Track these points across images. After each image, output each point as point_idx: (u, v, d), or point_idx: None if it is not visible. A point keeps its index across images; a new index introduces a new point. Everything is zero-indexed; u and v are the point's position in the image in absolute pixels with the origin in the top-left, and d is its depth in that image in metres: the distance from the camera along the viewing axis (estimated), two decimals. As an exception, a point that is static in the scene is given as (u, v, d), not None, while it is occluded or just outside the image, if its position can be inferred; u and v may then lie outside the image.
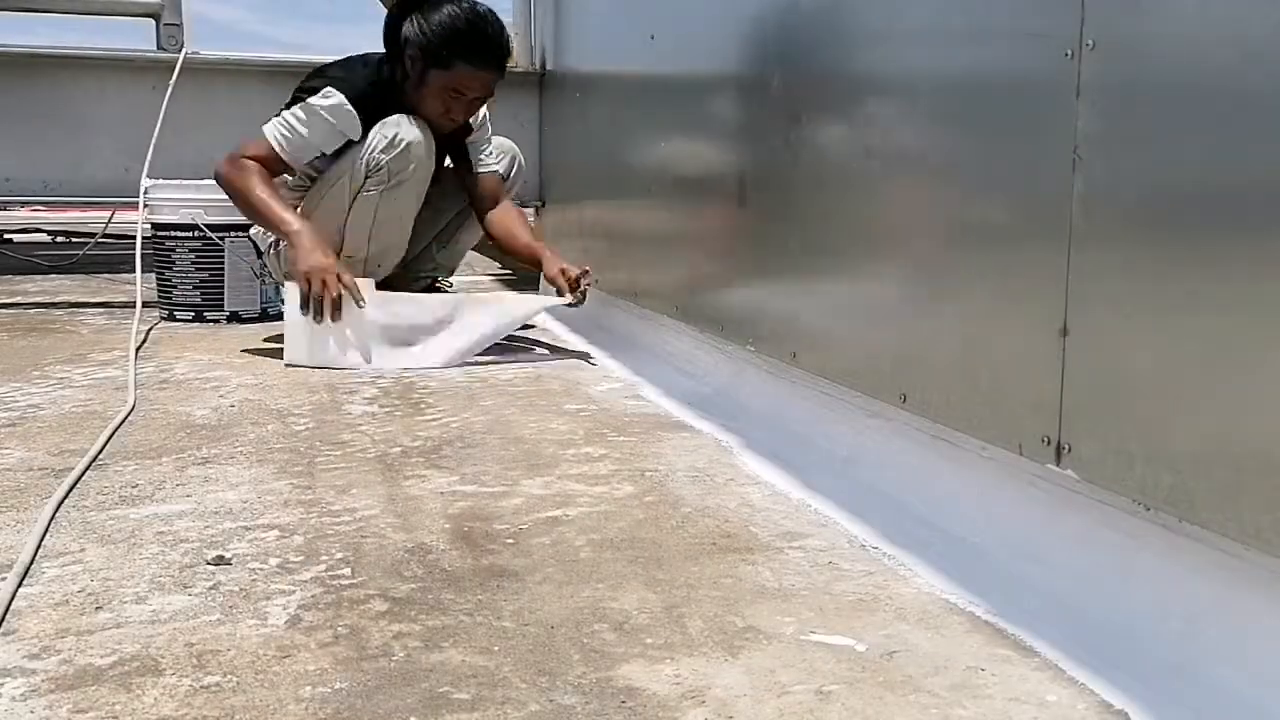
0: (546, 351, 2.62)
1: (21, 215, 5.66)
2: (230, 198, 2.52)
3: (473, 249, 3.13)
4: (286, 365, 2.32)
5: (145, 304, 2.90)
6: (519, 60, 3.75)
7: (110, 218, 4.17)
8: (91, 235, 4.38)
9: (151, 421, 1.83)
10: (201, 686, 0.90)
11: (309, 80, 2.59)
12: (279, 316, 2.95)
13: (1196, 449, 0.95)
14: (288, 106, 2.56)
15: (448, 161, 2.81)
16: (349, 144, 2.56)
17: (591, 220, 3.07)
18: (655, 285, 2.49)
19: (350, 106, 2.51)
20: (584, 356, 2.53)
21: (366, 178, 2.54)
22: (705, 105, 2.17)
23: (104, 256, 4.27)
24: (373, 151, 2.51)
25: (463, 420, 1.88)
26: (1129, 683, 0.92)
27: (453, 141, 2.75)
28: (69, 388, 2.09)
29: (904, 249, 1.45)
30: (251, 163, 2.47)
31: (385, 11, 2.64)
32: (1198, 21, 0.95)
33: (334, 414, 1.91)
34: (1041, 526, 1.19)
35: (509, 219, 2.79)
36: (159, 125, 3.14)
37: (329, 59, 2.65)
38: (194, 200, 2.97)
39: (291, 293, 2.37)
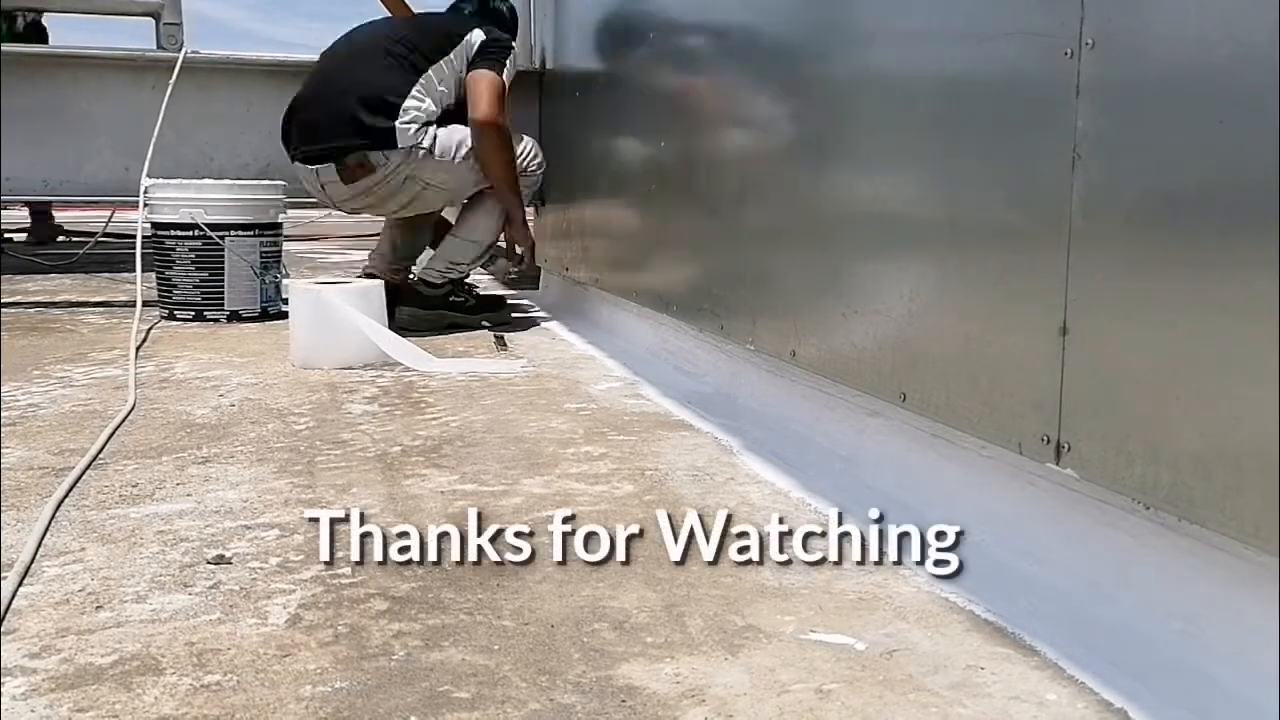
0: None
1: (22, 215, 5.65)
2: (495, 146, 2.82)
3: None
4: (296, 366, 2.32)
5: (145, 303, 2.90)
6: (519, 60, 3.75)
7: (110, 217, 4.16)
8: (92, 235, 4.37)
9: (152, 421, 1.83)
10: (202, 685, 0.90)
11: (493, 35, 2.92)
12: (279, 316, 2.96)
13: (1196, 448, 0.95)
14: (494, 56, 2.85)
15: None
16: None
17: (591, 219, 3.07)
18: (655, 284, 2.48)
19: None
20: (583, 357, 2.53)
21: (519, 177, 2.91)
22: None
23: (104, 256, 4.27)
24: (531, 158, 3.00)
25: (463, 419, 1.88)
26: (1128, 682, 0.92)
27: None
28: (69, 387, 2.09)
29: (904, 247, 1.45)
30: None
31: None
32: (1197, 21, 0.95)
33: (334, 413, 1.91)
34: (1041, 526, 1.19)
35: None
36: (159, 125, 3.14)
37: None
38: (194, 200, 2.96)
39: (293, 293, 2.38)
